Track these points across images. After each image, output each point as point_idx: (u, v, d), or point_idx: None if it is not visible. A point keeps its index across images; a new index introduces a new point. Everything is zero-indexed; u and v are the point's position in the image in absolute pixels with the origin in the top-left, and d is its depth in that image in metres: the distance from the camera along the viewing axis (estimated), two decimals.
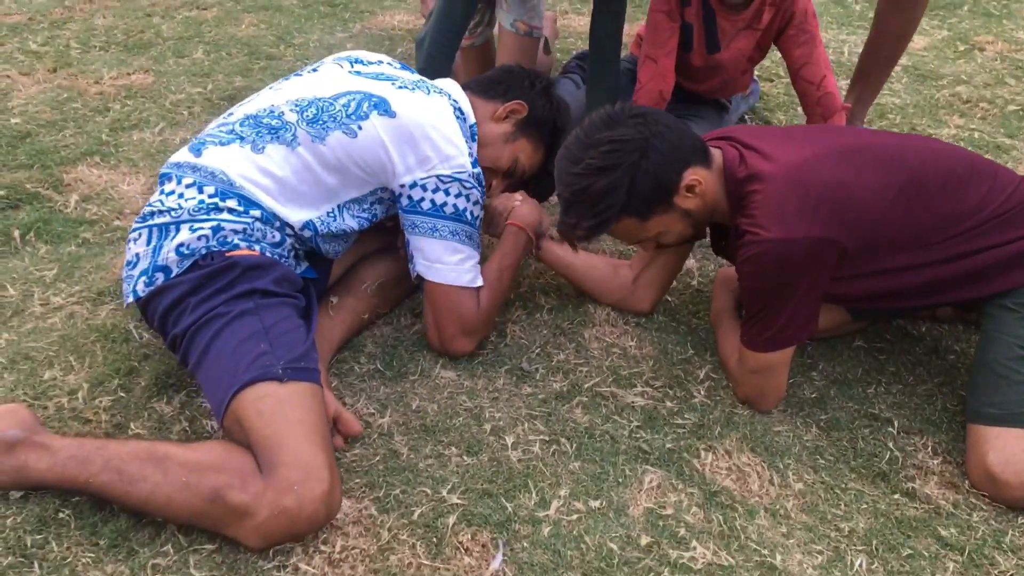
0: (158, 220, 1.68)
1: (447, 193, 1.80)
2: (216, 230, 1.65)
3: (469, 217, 1.84)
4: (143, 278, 1.65)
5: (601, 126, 1.70)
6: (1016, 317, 1.71)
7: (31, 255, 2.15)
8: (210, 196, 1.68)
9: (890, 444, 1.79)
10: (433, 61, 2.53)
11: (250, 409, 1.47)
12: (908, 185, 1.69)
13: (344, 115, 1.77)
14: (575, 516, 1.57)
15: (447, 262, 1.84)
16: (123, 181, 2.48)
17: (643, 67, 2.56)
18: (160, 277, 1.63)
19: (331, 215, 1.81)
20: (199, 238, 1.64)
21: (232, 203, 1.69)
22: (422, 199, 1.79)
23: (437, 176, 1.78)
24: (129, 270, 1.69)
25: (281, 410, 1.47)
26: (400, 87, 1.84)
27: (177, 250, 1.63)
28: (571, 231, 1.75)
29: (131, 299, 1.67)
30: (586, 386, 1.88)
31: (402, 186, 1.79)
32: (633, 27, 3.72)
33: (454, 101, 1.91)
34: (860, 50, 3.76)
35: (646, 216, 1.73)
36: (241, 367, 1.51)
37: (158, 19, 3.66)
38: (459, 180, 1.80)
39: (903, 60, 3.68)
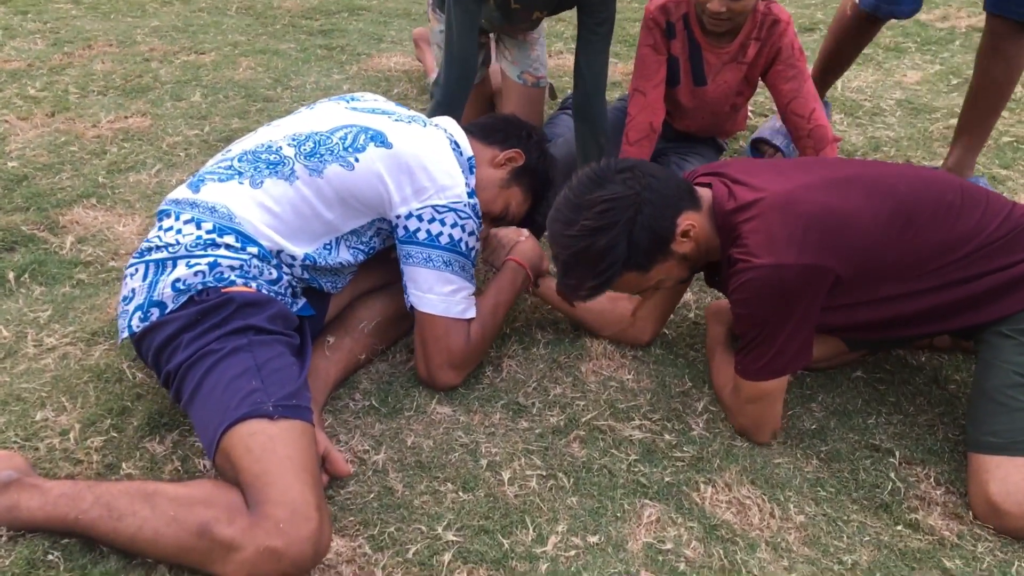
0: (155, 256, 1.68)
1: (442, 223, 1.80)
2: (212, 266, 1.65)
3: (464, 248, 1.84)
4: (138, 313, 1.64)
5: (591, 185, 1.69)
6: (1012, 344, 1.69)
7: (25, 296, 2.14)
8: (207, 232, 1.69)
9: (892, 475, 1.77)
10: (442, 109, 2.53)
11: (239, 446, 1.46)
12: (899, 212, 1.69)
13: (341, 148, 1.78)
14: (573, 552, 1.55)
15: (439, 293, 1.83)
16: (119, 222, 2.48)
17: (632, 100, 2.58)
18: (155, 313, 1.63)
19: (327, 247, 1.81)
20: (195, 274, 1.63)
21: (229, 239, 1.69)
22: (418, 229, 1.80)
23: (433, 206, 1.79)
24: (124, 305, 1.68)
25: (271, 447, 1.46)
26: (396, 120, 1.86)
27: (173, 285, 1.63)
28: (574, 292, 1.74)
29: (126, 334, 1.67)
30: (583, 420, 1.86)
31: (398, 217, 1.80)
32: (628, 65, 3.76)
33: (450, 135, 1.93)
34: (854, 84, 3.80)
35: (647, 268, 1.72)
36: (232, 404, 1.50)
37: (156, 63, 3.69)
38: (455, 210, 1.81)
39: (896, 94, 3.71)
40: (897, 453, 1.82)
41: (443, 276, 1.83)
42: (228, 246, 1.68)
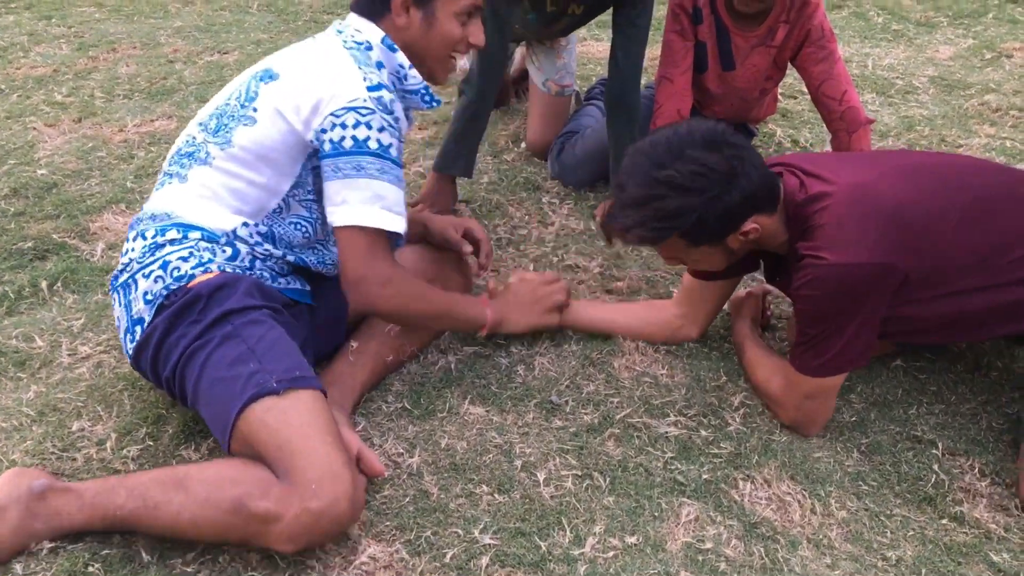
0: (121, 279, 1.72)
1: (343, 127, 1.67)
2: (165, 266, 1.66)
3: (375, 146, 1.68)
4: (128, 336, 1.68)
5: (701, 143, 1.60)
6: None
7: (58, 305, 2.16)
8: (151, 238, 1.70)
9: (935, 467, 1.73)
10: (474, 106, 2.50)
11: (255, 424, 1.49)
12: (974, 205, 1.63)
13: (238, 106, 1.75)
14: (611, 553, 1.53)
15: (351, 201, 1.69)
16: None
17: (660, 88, 2.54)
18: (139, 330, 1.66)
19: (278, 211, 1.76)
20: (155, 280, 1.65)
21: (172, 234, 1.70)
22: (323, 143, 1.69)
23: (331, 114, 1.67)
24: (119, 333, 1.74)
25: (285, 419, 1.48)
26: (285, 51, 1.83)
27: (144, 300, 1.65)
28: (620, 230, 1.66)
29: (129, 359, 1.71)
30: (618, 417, 1.84)
31: (310, 142, 1.71)
32: (653, 51, 3.70)
33: (349, 37, 1.78)
34: (885, 61, 3.73)
35: (696, 244, 1.67)
36: (236, 390, 1.52)
37: (180, 65, 3.69)
38: (353, 110, 1.67)
39: (929, 71, 3.64)
40: (940, 444, 1.79)
41: (352, 183, 1.68)
42: (172, 240, 1.69)
